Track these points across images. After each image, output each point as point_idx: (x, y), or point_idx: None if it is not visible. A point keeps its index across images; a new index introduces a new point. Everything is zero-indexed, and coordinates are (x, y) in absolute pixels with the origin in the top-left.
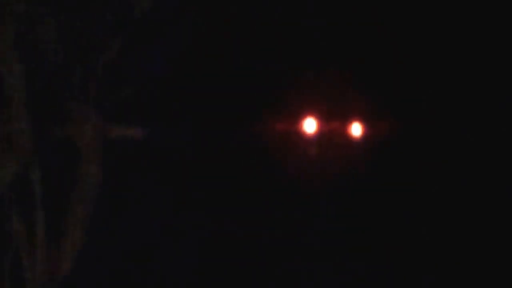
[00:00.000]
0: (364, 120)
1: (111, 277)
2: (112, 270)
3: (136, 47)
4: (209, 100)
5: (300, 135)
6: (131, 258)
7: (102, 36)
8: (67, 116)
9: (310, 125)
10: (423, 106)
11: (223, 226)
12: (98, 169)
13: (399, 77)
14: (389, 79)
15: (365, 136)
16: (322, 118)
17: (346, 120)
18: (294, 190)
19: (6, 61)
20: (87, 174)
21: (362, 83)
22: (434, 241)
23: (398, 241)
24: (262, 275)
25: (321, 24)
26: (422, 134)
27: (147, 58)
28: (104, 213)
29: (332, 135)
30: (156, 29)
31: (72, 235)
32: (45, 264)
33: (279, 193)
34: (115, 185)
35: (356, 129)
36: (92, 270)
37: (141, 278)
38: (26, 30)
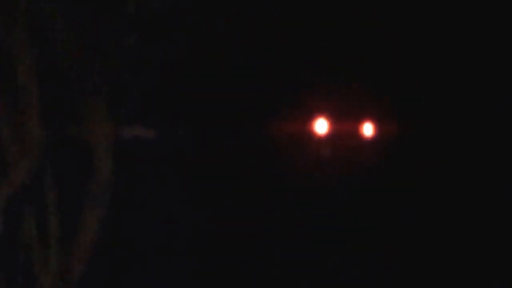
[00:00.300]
0: (375, 120)
1: (124, 278)
2: (125, 272)
3: (149, 47)
4: (220, 100)
5: (311, 136)
6: (145, 260)
7: (116, 35)
8: (79, 117)
9: (321, 126)
10: (436, 106)
11: (235, 227)
12: (110, 170)
13: (411, 77)
14: (401, 78)
15: (377, 136)
16: (334, 119)
17: (358, 120)
18: (305, 191)
19: (19, 60)
20: (99, 175)
21: (373, 83)
22: (448, 241)
23: (411, 242)
24: (275, 276)
25: (332, 24)
26: (435, 135)
27: (160, 58)
28: (117, 214)
29: (343, 136)
30: (170, 29)
31: (85, 237)
32: (58, 265)
33: (291, 194)
34: (128, 186)
35: (367, 129)
36: (105, 272)
37: (154, 279)
38: (38, 28)
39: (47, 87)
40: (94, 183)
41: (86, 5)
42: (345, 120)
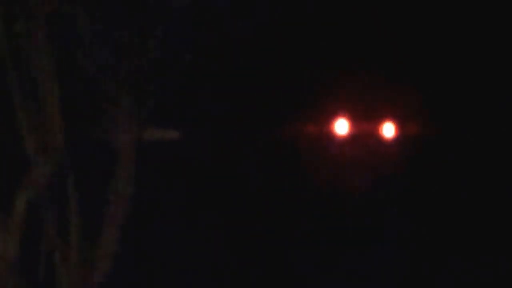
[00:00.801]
0: (396, 120)
1: (146, 280)
2: (146, 274)
3: (171, 48)
4: (241, 102)
5: (331, 137)
6: (166, 262)
7: (137, 38)
8: (101, 118)
9: (342, 126)
10: (456, 106)
11: (255, 227)
12: (132, 171)
13: (432, 76)
14: (422, 78)
15: (398, 137)
16: (354, 119)
17: (378, 120)
18: (326, 192)
19: (40, 63)
20: (121, 176)
21: (394, 83)
22: (473, 241)
23: (433, 242)
24: (297, 274)
25: (354, 25)
26: (456, 134)
27: (182, 61)
28: (139, 216)
29: (364, 136)
30: (191, 31)
31: (107, 239)
32: (80, 267)
33: (311, 195)
34: (149, 186)
35: (388, 130)
36: (127, 274)
37: (175, 281)
38: (59, 31)
39: (69, 90)
40: (116, 185)
41: (108, 8)
42: (366, 120)
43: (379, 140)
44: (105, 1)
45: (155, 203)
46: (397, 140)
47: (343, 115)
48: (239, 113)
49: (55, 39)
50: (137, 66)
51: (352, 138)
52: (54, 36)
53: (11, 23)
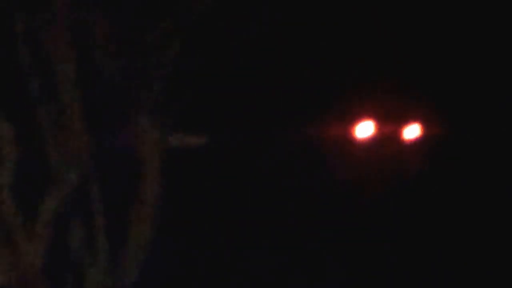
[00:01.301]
0: (421, 122)
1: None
2: (175, 282)
3: (193, 54)
4: (263, 104)
5: (355, 139)
6: (195, 269)
7: (159, 44)
8: (126, 127)
9: (366, 128)
10: (483, 107)
11: (278, 230)
12: (158, 179)
13: (456, 77)
14: (447, 79)
15: (422, 139)
16: (379, 121)
17: (403, 122)
18: (349, 195)
19: (62, 71)
20: (147, 184)
21: (418, 84)
22: (499, 245)
23: (456, 247)
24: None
25: (375, 26)
26: (482, 137)
27: (204, 65)
28: (166, 223)
29: (388, 138)
30: (212, 36)
31: (134, 247)
32: (107, 275)
33: (335, 198)
34: (176, 193)
35: (412, 132)
36: (154, 282)
37: None
38: (82, 39)
39: (92, 98)
40: (142, 193)
41: (130, 16)
42: (390, 122)
43: (403, 142)
44: (126, 6)
45: (184, 209)
46: (421, 141)
47: (368, 117)
48: (262, 116)
49: (77, 46)
50: (161, 72)
51: (376, 140)
52: (76, 43)
53: (34, 31)
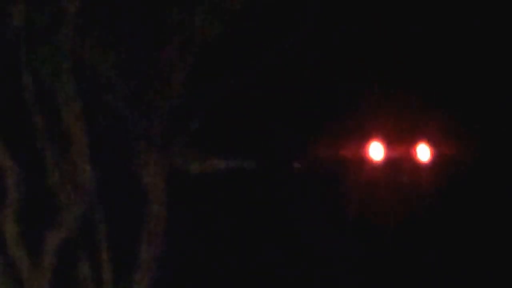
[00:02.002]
0: (431, 143)
1: None
2: None
3: (200, 79)
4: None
5: (366, 161)
6: None
7: (164, 74)
8: (130, 154)
9: (376, 150)
10: (494, 127)
11: (289, 252)
12: (163, 207)
13: (469, 96)
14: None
15: (433, 160)
16: (389, 143)
17: (413, 143)
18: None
19: (65, 99)
20: (152, 213)
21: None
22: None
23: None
24: None
25: (384, 45)
26: (495, 157)
27: (211, 90)
28: (172, 250)
29: (399, 160)
30: (220, 60)
31: (140, 277)
32: None
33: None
34: (184, 221)
35: (423, 153)
36: None
37: None
38: (86, 71)
39: (96, 127)
40: (147, 222)
41: (134, 46)
42: (400, 144)
43: (415, 163)
44: (131, 37)
45: (191, 236)
46: (432, 162)
47: (377, 139)
48: (272, 139)
49: (81, 78)
50: (166, 102)
51: (387, 162)
52: (80, 75)
53: (37, 65)
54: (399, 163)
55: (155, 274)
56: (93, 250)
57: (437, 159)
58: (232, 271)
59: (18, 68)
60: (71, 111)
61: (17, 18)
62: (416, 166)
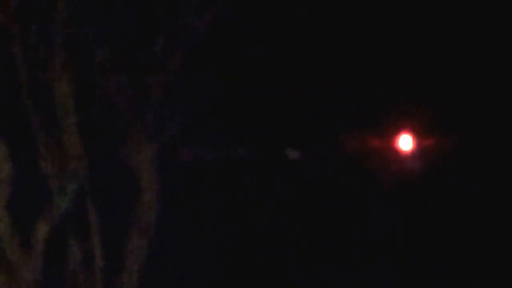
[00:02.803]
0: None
1: None
2: None
3: (193, 69)
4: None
5: (395, 152)
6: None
7: (157, 62)
8: (123, 142)
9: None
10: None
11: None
12: (155, 194)
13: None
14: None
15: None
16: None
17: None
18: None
19: (58, 86)
20: (144, 200)
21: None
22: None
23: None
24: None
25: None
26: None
27: (205, 79)
28: (163, 238)
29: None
30: (213, 49)
31: (131, 263)
32: None
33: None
34: (175, 209)
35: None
36: None
37: None
38: (78, 56)
39: (90, 115)
40: (138, 209)
41: (128, 30)
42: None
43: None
44: (125, 23)
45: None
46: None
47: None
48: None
49: (74, 64)
50: (158, 89)
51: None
52: (73, 61)
53: (30, 50)
54: (383, 153)
55: (146, 262)
56: (84, 238)
57: (419, 149)
58: (223, 260)
59: (12, 56)
60: (64, 100)
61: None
62: (399, 155)
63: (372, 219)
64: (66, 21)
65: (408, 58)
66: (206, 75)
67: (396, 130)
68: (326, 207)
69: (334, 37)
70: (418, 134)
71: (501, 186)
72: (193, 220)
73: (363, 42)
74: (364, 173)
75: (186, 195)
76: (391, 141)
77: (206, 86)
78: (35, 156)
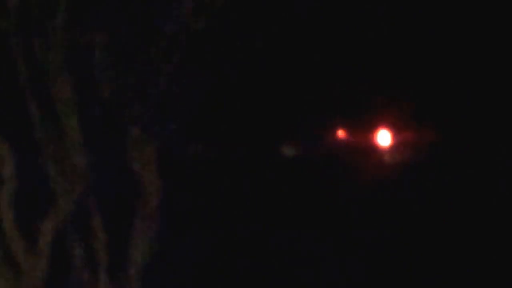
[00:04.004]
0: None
1: None
2: None
3: (192, 67)
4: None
5: (373, 147)
6: (197, 281)
7: (156, 59)
8: (123, 141)
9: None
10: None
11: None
12: (157, 192)
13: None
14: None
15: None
16: (396, 130)
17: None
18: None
19: (59, 88)
20: (146, 198)
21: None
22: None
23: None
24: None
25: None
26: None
27: (204, 78)
28: (166, 236)
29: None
30: (211, 49)
31: (135, 261)
32: None
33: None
34: (178, 205)
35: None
36: None
37: None
38: (78, 55)
39: (89, 114)
40: (141, 207)
41: (126, 31)
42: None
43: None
44: (124, 22)
45: (186, 221)
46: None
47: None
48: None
49: (73, 63)
50: (157, 86)
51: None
52: (73, 60)
53: (31, 52)
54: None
55: (149, 259)
56: (88, 236)
57: (397, 144)
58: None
59: (14, 58)
60: (65, 100)
61: (11, 4)
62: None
63: (351, 213)
64: (66, 24)
65: (385, 54)
66: (204, 74)
67: (374, 126)
68: (304, 202)
69: (315, 36)
70: (396, 129)
71: (479, 180)
72: (190, 218)
73: (341, 40)
74: (342, 168)
75: (183, 193)
76: (370, 137)
77: (203, 85)
78: (39, 157)
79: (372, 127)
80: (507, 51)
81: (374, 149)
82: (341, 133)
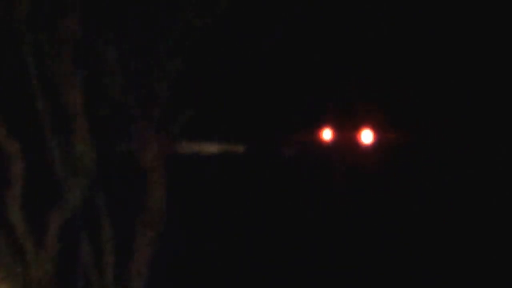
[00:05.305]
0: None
1: None
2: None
3: (198, 64)
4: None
5: (357, 145)
6: (203, 277)
7: (164, 55)
8: (130, 136)
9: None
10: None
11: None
12: (163, 188)
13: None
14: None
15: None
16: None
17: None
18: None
19: (66, 83)
20: (152, 194)
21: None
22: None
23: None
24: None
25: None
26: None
27: (209, 75)
28: (172, 230)
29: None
30: (217, 47)
31: (141, 256)
32: (114, 286)
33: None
34: (183, 201)
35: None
36: None
37: None
38: (85, 52)
39: (97, 110)
40: (147, 202)
41: (134, 28)
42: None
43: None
44: (132, 20)
45: (191, 216)
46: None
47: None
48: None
49: (82, 61)
50: (166, 83)
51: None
52: (82, 59)
53: (41, 53)
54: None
55: (155, 254)
56: (95, 231)
57: (379, 142)
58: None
59: (22, 54)
60: (73, 95)
61: (22, 4)
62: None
63: (335, 212)
64: (76, 25)
65: (368, 55)
66: (208, 72)
67: (357, 125)
68: (288, 200)
69: (300, 36)
70: (378, 128)
71: (460, 179)
72: (191, 215)
73: (324, 40)
74: (325, 166)
75: (185, 189)
76: (353, 135)
77: (209, 84)
78: (46, 152)
79: (356, 127)
80: (491, 49)
81: (358, 147)
82: (326, 133)
